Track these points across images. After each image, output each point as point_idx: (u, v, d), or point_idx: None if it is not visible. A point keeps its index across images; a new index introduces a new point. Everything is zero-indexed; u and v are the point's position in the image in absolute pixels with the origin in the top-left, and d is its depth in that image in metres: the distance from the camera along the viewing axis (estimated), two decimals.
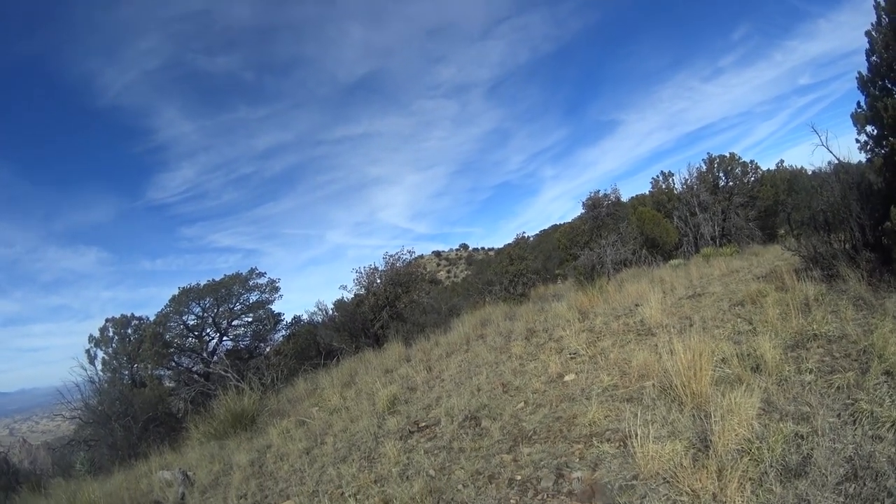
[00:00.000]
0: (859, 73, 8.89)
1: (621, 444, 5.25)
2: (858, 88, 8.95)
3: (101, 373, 18.67)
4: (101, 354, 19.45)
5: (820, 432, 4.40)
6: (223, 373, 15.53)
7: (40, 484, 13.96)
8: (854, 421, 4.58)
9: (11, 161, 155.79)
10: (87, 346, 19.32)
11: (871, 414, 4.54)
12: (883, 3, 8.37)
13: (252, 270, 22.71)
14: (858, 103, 8.97)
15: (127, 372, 19.43)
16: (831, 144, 10.56)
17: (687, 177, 26.93)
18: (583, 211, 26.73)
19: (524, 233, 29.79)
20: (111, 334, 19.95)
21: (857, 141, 9.11)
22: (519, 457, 5.77)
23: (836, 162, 10.37)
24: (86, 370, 17.38)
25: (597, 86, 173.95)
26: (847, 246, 8.99)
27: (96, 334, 19.85)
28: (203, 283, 21.75)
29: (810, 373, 5.58)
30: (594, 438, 5.58)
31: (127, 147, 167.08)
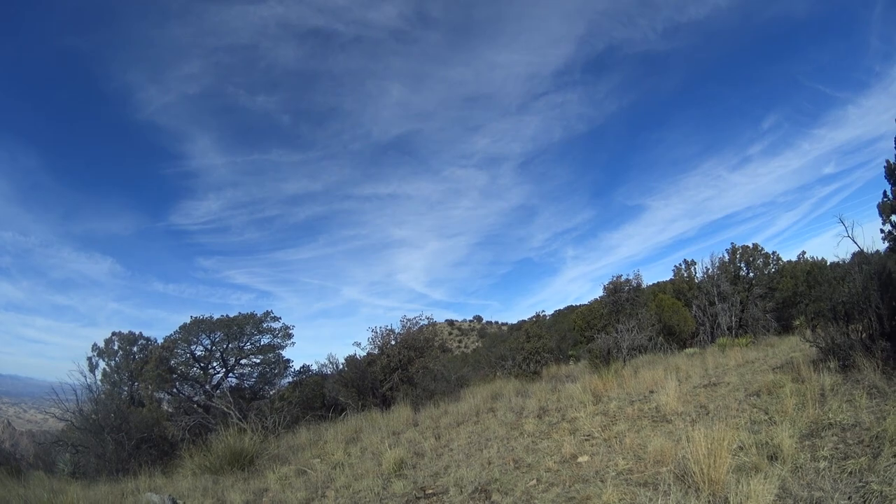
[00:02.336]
0: (887, 161, 8.91)
1: None
2: (886, 177, 8.96)
3: (99, 382, 18.85)
4: (102, 365, 19.66)
5: None
6: (226, 409, 15.34)
7: (20, 471, 13.91)
8: (864, 501, 4.63)
9: (40, 152, 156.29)
10: (90, 354, 19.59)
11: (881, 494, 4.61)
12: None
13: (267, 313, 22.74)
14: (885, 193, 8.99)
15: (126, 388, 19.57)
16: (855, 234, 10.61)
17: (709, 266, 27.03)
18: (603, 294, 26.74)
19: (542, 311, 29.66)
20: (116, 348, 20.16)
21: (882, 231, 9.13)
22: None
23: (858, 251, 10.40)
24: (85, 377, 17.18)
25: (625, 170, 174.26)
26: (864, 336, 9.01)
27: (101, 344, 20.03)
28: (216, 316, 21.82)
29: (824, 460, 5.60)
30: None
31: (156, 167, 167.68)
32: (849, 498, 4.74)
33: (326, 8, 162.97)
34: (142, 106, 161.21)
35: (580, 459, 7.78)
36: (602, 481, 6.55)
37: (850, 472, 5.18)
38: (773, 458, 5.96)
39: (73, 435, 16.59)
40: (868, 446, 5.65)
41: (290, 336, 22.90)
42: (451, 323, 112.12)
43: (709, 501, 5.27)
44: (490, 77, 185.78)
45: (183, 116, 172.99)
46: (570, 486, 6.73)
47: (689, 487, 5.67)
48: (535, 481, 7.24)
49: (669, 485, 5.81)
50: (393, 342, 20.87)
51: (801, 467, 5.59)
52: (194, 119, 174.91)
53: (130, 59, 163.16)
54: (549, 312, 58.43)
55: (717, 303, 24.52)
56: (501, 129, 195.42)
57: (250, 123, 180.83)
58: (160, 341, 21.05)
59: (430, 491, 7.80)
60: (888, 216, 8.95)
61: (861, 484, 4.92)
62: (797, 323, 23.11)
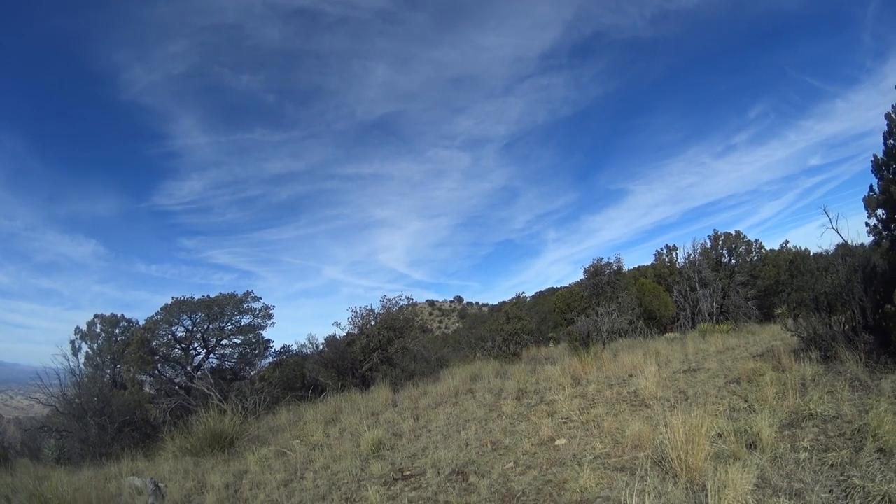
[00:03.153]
0: (875, 156, 8.89)
1: None
2: (872, 171, 8.94)
3: (83, 366, 18.82)
4: (85, 348, 19.62)
5: None
6: (206, 390, 15.27)
7: (7, 459, 13.92)
8: (846, 496, 4.56)
9: (25, 134, 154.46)
10: (73, 338, 19.49)
11: (863, 489, 4.55)
12: None
13: (248, 293, 22.51)
14: (871, 187, 8.98)
15: (109, 371, 19.50)
16: (839, 226, 10.60)
17: (691, 252, 27.05)
18: (584, 277, 26.71)
19: (523, 293, 29.55)
20: (98, 330, 20.03)
21: (867, 224, 9.12)
22: None
23: (842, 243, 10.39)
24: (68, 360, 17.38)
25: (609, 154, 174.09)
26: (847, 328, 8.99)
27: (83, 327, 19.90)
28: (197, 297, 21.63)
29: (805, 451, 5.55)
30: None
31: (140, 147, 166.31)
32: (830, 491, 4.68)
33: None
34: (127, 86, 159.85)
35: (558, 442, 7.75)
36: (579, 465, 6.53)
37: (832, 465, 5.13)
38: (752, 446, 5.91)
39: (57, 420, 16.62)
40: (850, 439, 5.61)
41: (270, 316, 22.71)
42: (431, 303, 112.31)
43: (686, 488, 5.23)
44: (476, 59, 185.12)
45: (167, 96, 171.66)
46: (547, 469, 6.71)
47: (666, 473, 5.64)
48: (512, 463, 7.22)
49: (647, 470, 5.81)
50: (373, 322, 20.85)
51: (780, 457, 5.54)
52: (179, 99, 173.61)
53: (117, 38, 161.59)
54: (529, 294, 58.57)
55: (698, 288, 24.57)
56: (486, 110, 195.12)
57: (234, 103, 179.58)
58: (142, 323, 20.90)
59: (408, 472, 7.80)
60: (874, 210, 8.93)
61: (842, 478, 4.87)
62: (779, 312, 23.25)
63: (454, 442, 8.87)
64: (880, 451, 5.15)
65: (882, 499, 4.35)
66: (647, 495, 5.09)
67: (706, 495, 4.74)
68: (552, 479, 6.31)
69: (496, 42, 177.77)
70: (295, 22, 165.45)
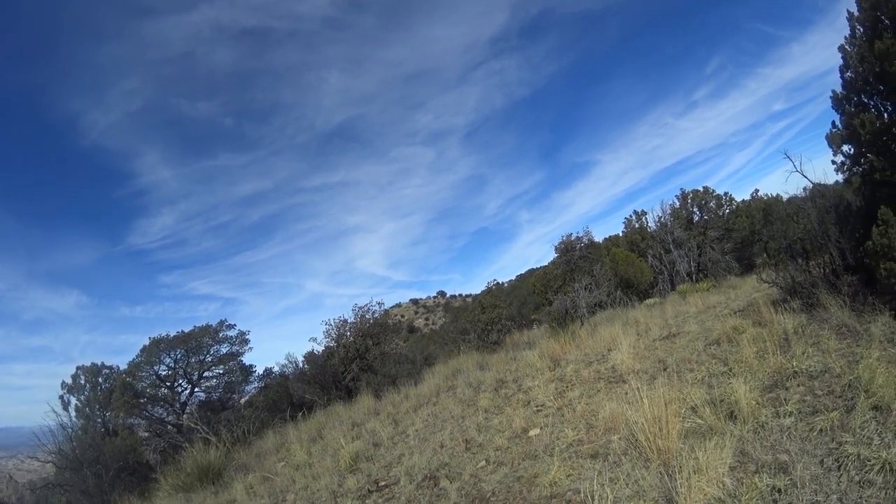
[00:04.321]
0: (833, 91, 8.64)
1: None
2: (833, 108, 8.70)
3: (74, 419, 18.69)
4: (74, 401, 19.44)
5: (799, 484, 3.85)
6: (193, 425, 15.49)
7: None
8: (839, 467, 4.04)
9: None
10: (61, 392, 19.34)
11: (858, 457, 4.03)
12: (856, 13, 8.10)
13: (222, 322, 22.49)
14: (833, 123, 8.73)
15: (99, 420, 19.33)
16: (806, 169, 10.33)
17: (660, 214, 26.96)
18: (556, 255, 26.49)
19: (495, 280, 29.68)
20: (83, 382, 19.94)
21: (834, 162, 8.84)
22: None
23: (812, 186, 10.10)
24: (58, 415, 17.36)
25: (572, 127, 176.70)
26: (826, 271, 8.68)
27: (69, 381, 19.70)
28: (173, 333, 21.54)
29: (790, 416, 5.07)
30: (554, 500, 5.12)
31: (108, 190, 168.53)
32: (820, 462, 4.16)
33: (258, 6, 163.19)
34: (87, 131, 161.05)
35: (531, 433, 7.50)
36: (550, 455, 6.26)
37: (821, 430, 4.60)
38: (731, 416, 5.47)
39: (61, 476, 16.66)
40: (840, 397, 5.11)
41: (246, 342, 22.75)
42: (415, 302, 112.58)
43: (660, 473, 4.80)
44: (428, 52, 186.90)
45: (127, 135, 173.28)
46: (518, 465, 6.48)
47: (638, 457, 5.30)
48: (483, 462, 7.01)
49: (619, 455, 5.52)
50: (347, 333, 20.68)
51: (763, 425, 5.06)
52: (139, 135, 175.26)
53: (70, 86, 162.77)
54: (511, 278, 58.76)
55: (672, 250, 24.50)
56: (443, 103, 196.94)
57: (195, 132, 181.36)
58: (124, 368, 20.77)
59: (383, 483, 7.65)
60: (839, 147, 8.64)
61: (834, 445, 4.34)
62: (759, 261, 23.07)
63: (430, 445, 8.63)
64: (875, 408, 4.63)
65: (881, 467, 3.84)
66: (616, 484, 4.79)
67: (677, 482, 4.26)
68: (523, 475, 6.07)
69: (445, 33, 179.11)
70: (245, 42, 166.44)
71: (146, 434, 19.45)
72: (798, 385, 5.73)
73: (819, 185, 10.03)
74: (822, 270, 8.77)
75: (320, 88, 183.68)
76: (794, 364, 6.20)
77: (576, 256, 24.75)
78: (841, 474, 3.95)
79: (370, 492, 7.43)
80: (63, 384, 19.61)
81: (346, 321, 20.80)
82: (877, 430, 4.30)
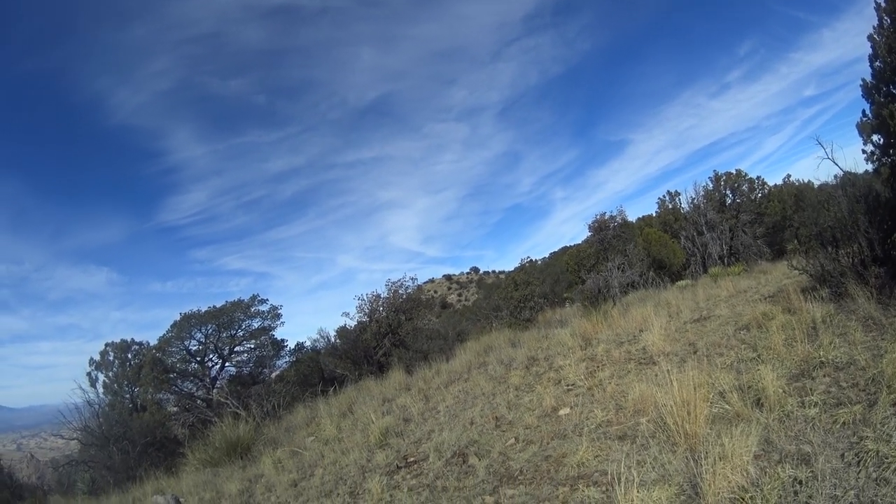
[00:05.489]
0: (863, 80, 8.57)
1: (608, 488, 4.84)
2: (863, 96, 8.62)
3: (102, 395, 19.07)
4: (101, 378, 19.74)
5: (820, 477, 3.94)
6: (223, 399, 15.54)
7: (44, 501, 14.66)
8: (859, 461, 4.09)
9: (22, 176, 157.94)
10: (88, 369, 19.71)
11: (877, 453, 4.06)
12: (884, 4, 8.05)
13: (254, 297, 22.74)
14: (864, 112, 8.66)
15: (128, 395, 19.62)
16: (836, 156, 10.27)
17: (693, 196, 26.85)
18: (589, 233, 26.47)
19: (529, 258, 29.66)
20: (111, 358, 20.24)
21: (864, 151, 8.79)
22: (501, 499, 5.49)
23: (842, 174, 10.05)
24: (85, 392, 17.51)
25: (605, 106, 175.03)
26: (855, 261, 8.63)
27: (97, 357, 19.99)
28: (204, 309, 21.74)
29: (814, 406, 5.11)
30: (581, 481, 5.20)
31: (138, 168, 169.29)
32: (841, 456, 4.21)
33: None
34: (115, 111, 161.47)
35: (561, 412, 7.56)
36: (579, 436, 6.32)
37: (843, 423, 4.65)
38: (758, 403, 5.53)
39: (85, 452, 16.99)
40: (863, 390, 5.16)
41: (279, 317, 22.97)
42: (448, 278, 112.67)
43: (686, 458, 4.88)
44: (460, 29, 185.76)
45: (157, 113, 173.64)
46: (547, 444, 6.53)
47: (665, 441, 5.36)
48: (513, 440, 7.08)
49: (647, 438, 5.57)
50: (381, 308, 20.81)
51: (789, 415, 5.11)
52: (169, 114, 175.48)
53: (98, 66, 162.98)
54: (543, 256, 58.54)
55: (705, 232, 24.42)
56: (477, 79, 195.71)
57: (226, 109, 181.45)
58: (154, 343, 21.14)
59: (412, 459, 7.75)
60: (869, 136, 8.58)
61: (855, 439, 4.39)
62: (790, 247, 22.92)
63: (460, 422, 8.72)
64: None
65: None
66: (643, 467, 4.86)
67: (703, 468, 4.37)
68: (551, 454, 6.13)
69: (478, 9, 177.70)
70: (274, 20, 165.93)
71: (175, 409, 19.93)
72: (824, 375, 5.78)
73: (849, 173, 9.97)
74: (850, 260, 8.73)
75: (352, 65, 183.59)
76: (821, 354, 6.24)
77: (609, 235, 24.76)
78: (860, 470, 4.00)
79: (399, 467, 7.53)
80: (91, 361, 20.02)
81: (378, 296, 21.00)
82: None
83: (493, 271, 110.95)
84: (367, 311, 20.83)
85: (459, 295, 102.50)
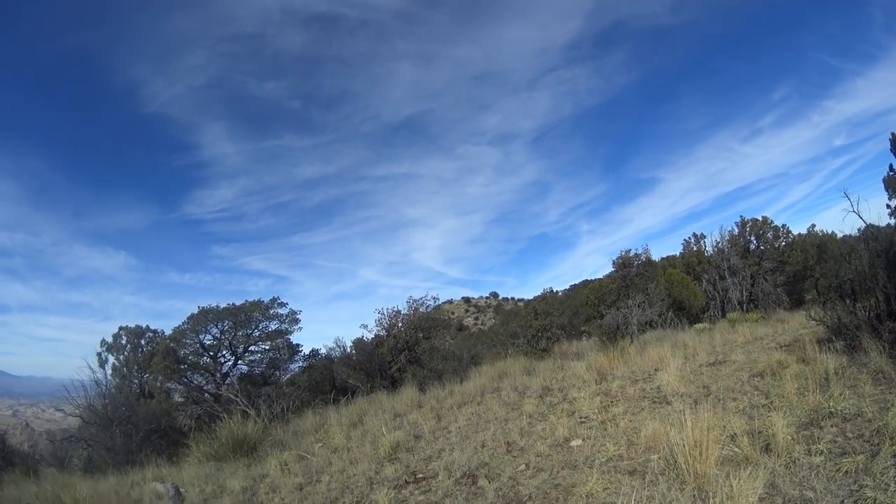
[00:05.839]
0: (893, 134, 8.64)
1: None
2: (891, 150, 8.73)
3: (110, 377, 18.99)
4: (111, 360, 19.74)
5: None
6: (233, 396, 15.55)
7: (36, 470, 14.33)
8: None
9: (47, 153, 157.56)
10: (99, 350, 19.64)
11: (875, 501, 4.23)
12: None
13: (274, 299, 22.72)
14: (891, 166, 8.76)
15: (136, 381, 19.65)
16: (861, 209, 10.41)
17: (718, 239, 26.87)
18: (613, 269, 26.53)
19: (551, 288, 29.60)
20: (124, 342, 20.19)
21: (888, 206, 8.88)
22: None
23: (865, 227, 10.11)
24: (94, 372, 17.82)
25: (637, 142, 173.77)
26: (871, 315, 8.68)
27: (109, 340, 20.05)
28: (223, 305, 21.88)
29: (820, 454, 5.23)
30: None
31: (167, 158, 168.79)
32: (841, 503, 4.38)
33: None
34: (149, 99, 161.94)
35: (573, 443, 7.61)
36: (590, 467, 6.39)
37: (846, 472, 4.79)
38: (767, 449, 5.63)
39: (86, 430, 16.99)
40: (868, 441, 5.28)
41: (297, 321, 22.89)
42: (467, 300, 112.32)
43: (693, 496, 4.99)
44: (499, 54, 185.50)
45: (191, 107, 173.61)
46: (557, 472, 6.59)
47: (675, 479, 5.44)
48: (524, 466, 7.13)
49: (657, 475, 5.60)
50: (399, 324, 20.86)
51: (795, 461, 5.23)
52: (203, 109, 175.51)
53: (134, 53, 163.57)
54: (564, 287, 58.43)
55: (727, 277, 24.34)
56: (512, 105, 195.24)
57: (260, 110, 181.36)
58: (168, 333, 21.15)
59: (420, 475, 7.78)
60: (894, 190, 8.64)
61: (856, 487, 4.54)
62: (808, 298, 22.87)
63: (471, 443, 8.80)
64: None
65: None
66: (652, 502, 4.93)
67: None
68: (561, 483, 6.19)
69: (517, 35, 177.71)
70: (315, 27, 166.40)
71: (181, 400, 19.85)
72: (832, 425, 5.88)
73: (872, 226, 10.04)
74: (867, 314, 8.77)
75: (389, 80, 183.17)
76: (831, 404, 6.33)
77: (632, 273, 24.82)
78: None
79: (407, 482, 7.57)
80: (103, 342, 19.90)
81: (399, 312, 21.04)
82: (894, 477, 4.49)
83: (513, 298, 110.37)
84: (385, 325, 20.92)
85: (476, 318, 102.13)
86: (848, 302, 9.35)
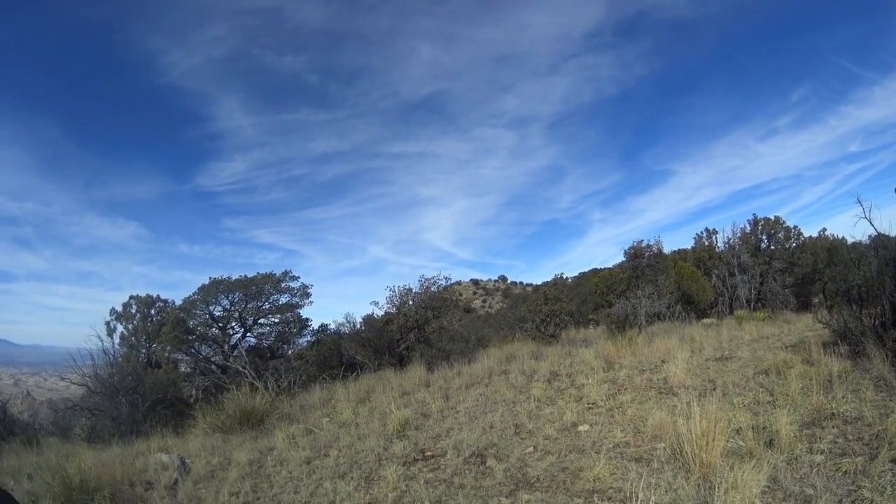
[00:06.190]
0: None
1: None
2: None
3: (117, 346, 18.97)
4: (120, 329, 19.69)
5: None
6: (241, 368, 15.49)
7: (36, 439, 14.09)
8: None
9: (60, 121, 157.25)
10: (108, 319, 19.54)
11: (872, 502, 4.41)
12: None
13: (286, 273, 22.66)
14: None
15: (144, 351, 19.60)
16: (873, 216, 10.43)
17: (730, 236, 26.89)
18: (624, 259, 26.58)
19: (562, 274, 29.69)
20: (134, 311, 20.15)
21: None
22: (517, 503, 5.69)
23: (875, 235, 10.20)
24: (102, 341, 17.76)
25: (654, 134, 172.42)
26: (876, 322, 8.77)
27: (119, 308, 20.10)
28: (235, 277, 21.88)
29: (821, 453, 5.42)
30: (595, 495, 5.46)
31: (181, 129, 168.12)
32: (839, 501, 4.56)
33: None
34: (165, 70, 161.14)
35: (580, 428, 7.78)
36: (597, 453, 6.53)
37: (845, 472, 4.97)
38: (770, 444, 5.81)
39: (90, 399, 16.94)
40: (867, 444, 5.46)
41: (308, 295, 22.86)
42: (475, 282, 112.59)
43: (698, 485, 5.16)
44: (520, 37, 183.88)
45: (208, 79, 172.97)
46: (565, 456, 6.75)
47: (680, 467, 5.61)
48: (531, 448, 7.29)
49: (663, 462, 5.80)
50: (410, 302, 20.91)
51: (796, 458, 5.42)
52: (220, 81, 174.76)
53: (152, 23, 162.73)
54: (573, 275, 58.46)
55: (736, 274, 24.40)
56: (531, 89, 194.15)
57: (277, 84, 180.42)
58: (178, 303, 21.24)
59: (429, 453, 7.91)
60: None
61: (854, 487, 4.73)
62: (815, 301, 22.91)
63: (479, 424, 8.93)
64: (894, 461, 4.98)
65: None
66: (657, 489, 5.09)
67: (714, 495, 4.70)
68: (568, 467, 6.34)
69: (540, 20, 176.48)
70: (336, 2, 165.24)
71: (188, 370, 19.97)
72: (833, 426, 6.05)
73: (883, 235, 10.13)
74: (872, 321, 8.86)
75: (409, 58, 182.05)
76: (833, 406, 6.49)
77: (643, 264, 24.80)
78: None
79: (416, 460, 7.70)
80: (112, 311, 19.78)
81: (410, 290, 21.09)
82: (891, 480, 4.67)
83: (521, 283, 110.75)
84: (396, 303, 20.96)
85: (484, 301, 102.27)
86: (854, 307, 9.42)
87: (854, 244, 14.01)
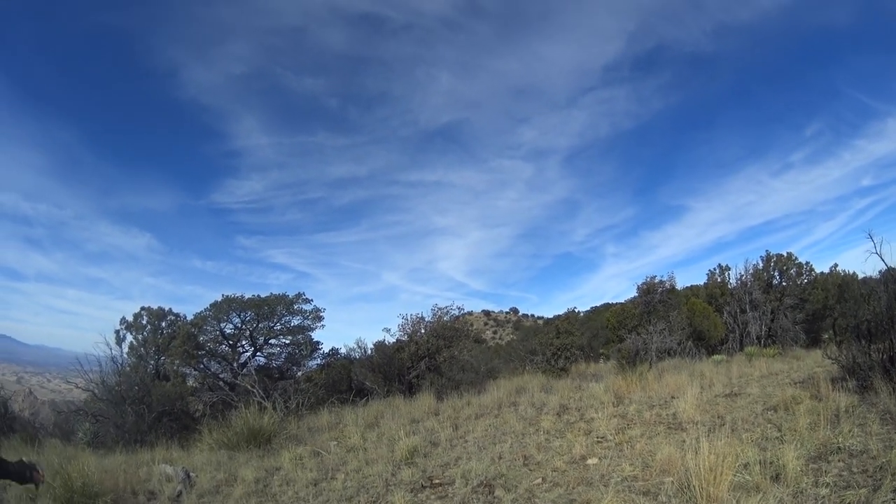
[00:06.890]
0: None
1: None
2: None
3: (125, 355, 19.12)
4: (129, 338, 19.88)
5: None
6: (250, 387, 15.54)
7: (37, 438, 14.32)
8: None
9: (78, 127, 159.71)
10: (118, 328, 19.68)
11: None
12: None
13: (299, 295, 22.62)
14: None
15: (153, 362, 19.77)
16: (884, 251, 10.47)
17: (742, 273, 26.89)
18: (636, 294, 26.63)
19: (575, 308, 29.71)
20: (145, 322, 20.31)
21: None
22: None
23: (886, 270, 10.22)
24: (110, 348, 17.84)
25: (669, 169, 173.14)
26: (884, 357, 8.79)
27: (130, 318, 20.27)
28: (248, 296, 21.83)
29: (826, 486, 5.43)
30: None
31: (199, 145, 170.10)
32: None
33: None
34: (185, 84, 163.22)
35: (589, 461, 7.76)
36: (605, 486, 6.49)
37: (848, 503, 5.03)
38: (776, 478, 5.81)
39: (94, 405, 16.94)
40: (871, 476, 5.49)
41: (320, 319, 22.79)
42: (487, 313, 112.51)
43: None
44: (538, 70, 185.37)
45: (228, 96, 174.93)
46: (573, 488, 6.72)
47: (687, 501, 5.61)
48: (540, 480, 7.26)
49: (670, 496, 5.80)
50: (422, 330, 20.88)
51: (802, 491, 5.44)
52: (239, 99, 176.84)
53: (174, 36, 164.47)
54: (585, 308, 58.30)
55: (748, 311, 24.37)
56: (549, 122, 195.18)
57: (297, 105, 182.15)
58: (190, 318, 21.24)
59: (437, 481, 7.88)
60: None
61: None
62: (825, 337, 22.88)
63: (488, 454, 8.92)
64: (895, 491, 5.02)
65: None
66: None
67: None
68: (576, 499, 6.32)
69: (559, 53, 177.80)
70: (359, 27, 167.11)
71: (196, 385, 19.95)
72: (839, 460, 6.08)
73: (892, 269, 10.15)
74: (881, 356, 8.86)
75: (429, 86, 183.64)
76: (840, 440, 6.51)
77: (655, 300, 24.88)
78: None
79: (423, 487, 7.66)
80: (123, 320, 19.97)
81: (422, 318, 21.06)
82: None
83: (533, 315, 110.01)
84: (408, 330, 20.95)
85: (495, 332, 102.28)
86: (863, 342, 9.42)
87: (864, 279, 14.04)
